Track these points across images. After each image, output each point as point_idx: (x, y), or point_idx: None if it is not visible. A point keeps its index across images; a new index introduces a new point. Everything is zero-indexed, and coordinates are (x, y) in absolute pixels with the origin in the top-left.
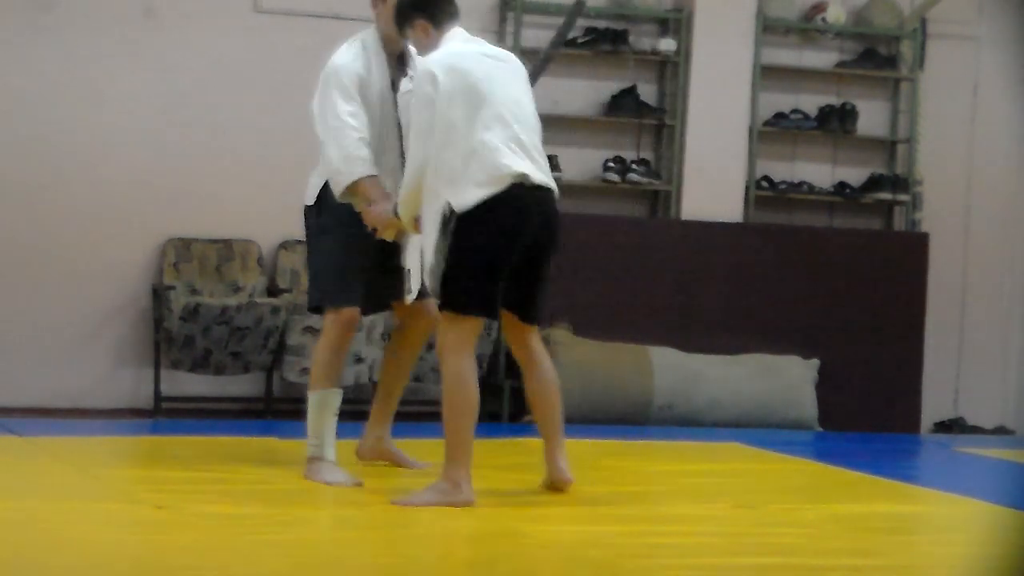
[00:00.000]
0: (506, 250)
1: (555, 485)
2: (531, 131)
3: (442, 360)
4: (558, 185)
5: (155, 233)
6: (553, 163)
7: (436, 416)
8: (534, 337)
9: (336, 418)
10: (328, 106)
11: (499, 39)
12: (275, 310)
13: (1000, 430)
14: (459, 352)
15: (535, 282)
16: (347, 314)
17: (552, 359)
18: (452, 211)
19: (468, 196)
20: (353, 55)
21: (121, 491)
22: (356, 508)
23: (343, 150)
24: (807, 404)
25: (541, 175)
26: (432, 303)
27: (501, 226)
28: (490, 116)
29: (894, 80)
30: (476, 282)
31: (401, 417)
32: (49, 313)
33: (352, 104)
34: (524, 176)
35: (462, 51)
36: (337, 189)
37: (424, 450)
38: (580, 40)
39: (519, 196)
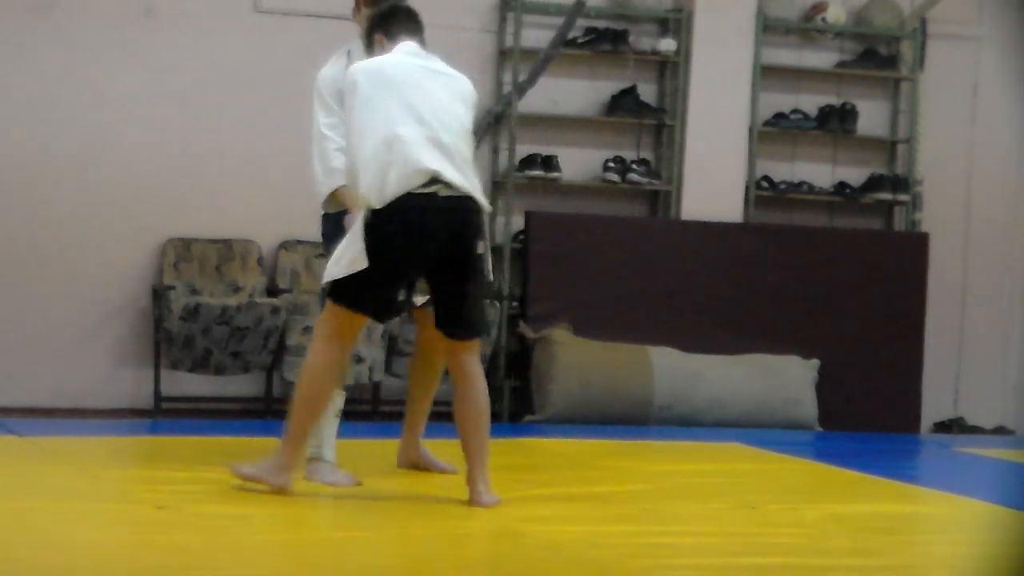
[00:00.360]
0: (398, 252)
1: (473, 506)
2: (454, 135)
3: (310, 345)
4: (557, 185)
5: (155, 233)
6: (553, 163)
7: (446, 416)
8: (466, 355)
9: (337, 419)
10: (312, 119)
11: (499, 39)
12: (275, 310)
13: (1000, 430)
14: (325, 341)
15: (455, 297)
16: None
17: (552, 359)
18: (370, 206)
19: (385, 192)
20: (336, 66)
21: (121, 491)
22: (356, 508)
23: (323, 162)
24: (807, 404)
25: (458, 177)
26: None
27: (397, 227)
28: (407, 114)
29: (894, 80)
30: (362, 277)
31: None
32: (49, 313)
33: (331, 116)
34: (437, 173)
35: (392, 58)
36: (319, 200)
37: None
38: (580, 40)
39: (421, 202)
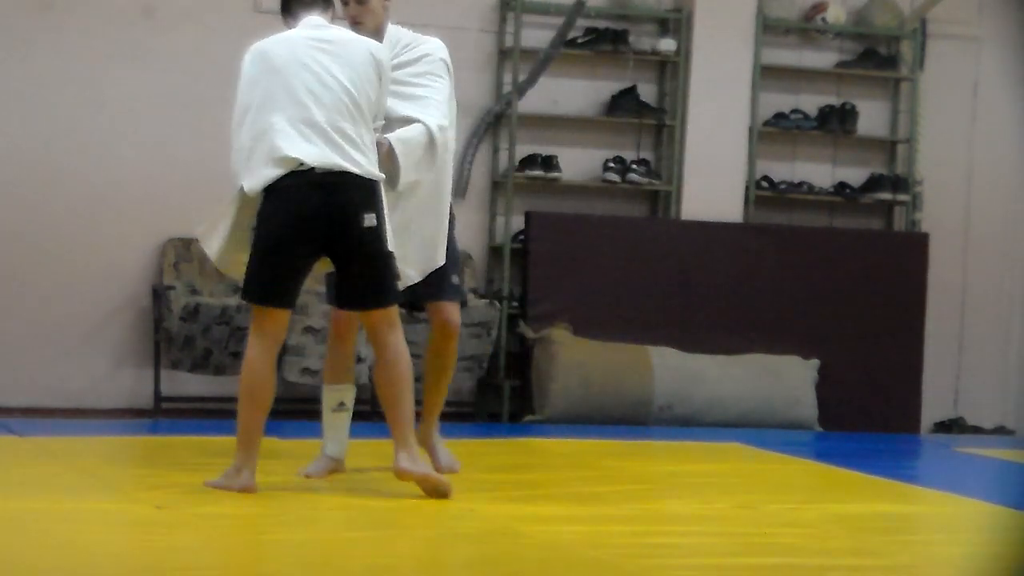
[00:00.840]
0: (278, 237)
1: (397, 477)
2: (332, 111)
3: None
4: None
5: (155, 233)
6: (553, 163)
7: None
8: (379, 324)
9: (341, 414)
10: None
11: (499, 39)
12: None
13: (1000, 430)
14: (252, 337)
15: (350, 272)
16: (334, 312)
17: (552, 359)
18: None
19: (254, 180)
20: None
21: (121, 491)
22: (356, 508)
23: None
24: (807, 404)
25: (327, 158)
26: (445, 302)
27: (274, 212)
28: (285, 96)
29: (894, 80)
30: (256, 270)
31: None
32: (49, 313)
33: None
34: (300, 160)
35: (281, 37)
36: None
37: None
38: (580, 40)
39: (295, 182)
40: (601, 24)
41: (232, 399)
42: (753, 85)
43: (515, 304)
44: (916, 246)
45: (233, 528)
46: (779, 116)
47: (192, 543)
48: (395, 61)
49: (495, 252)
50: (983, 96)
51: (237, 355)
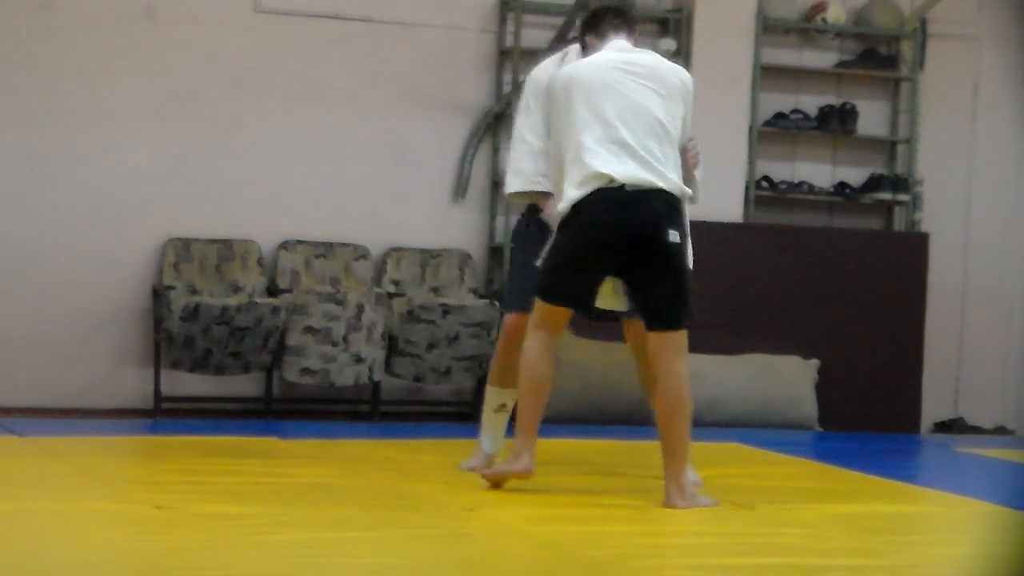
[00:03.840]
0: (582, 249)
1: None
2: (640, 133)
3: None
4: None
5: (155, 233)
6: None
7: (435, 416)
8: (661, 350)
9: (496, 414)
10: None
11: (499, 39)
12: (275, 310)
13: (1000, 430)
14: (532, 329)
15: (646, 289)
16: (509, 319)
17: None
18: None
19: (564, 201)
20: (546, 66)
21: (121, 491)
22: (356, 508)
23: (512, 163)
24: (807, 404)
25: (636, 175)
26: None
27: (580, 224)
28: (594, 117)
29: (894, 80)
30: (551, 272)
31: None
32: (49, 313)
33: (530, 117)
34: (610, 176)
35: (588, 62)
36: (506, 195)
37: (433, 449)
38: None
39: (604, 197)
40: None
41: (232, 399)
42: (753, 85)
43: None
44: (916, 246)
45: (233, 528)
46: (779, 116)
47: (192, 543)
48: None
49: (495, 252)
50: (983, 96)
51: (237, 355)
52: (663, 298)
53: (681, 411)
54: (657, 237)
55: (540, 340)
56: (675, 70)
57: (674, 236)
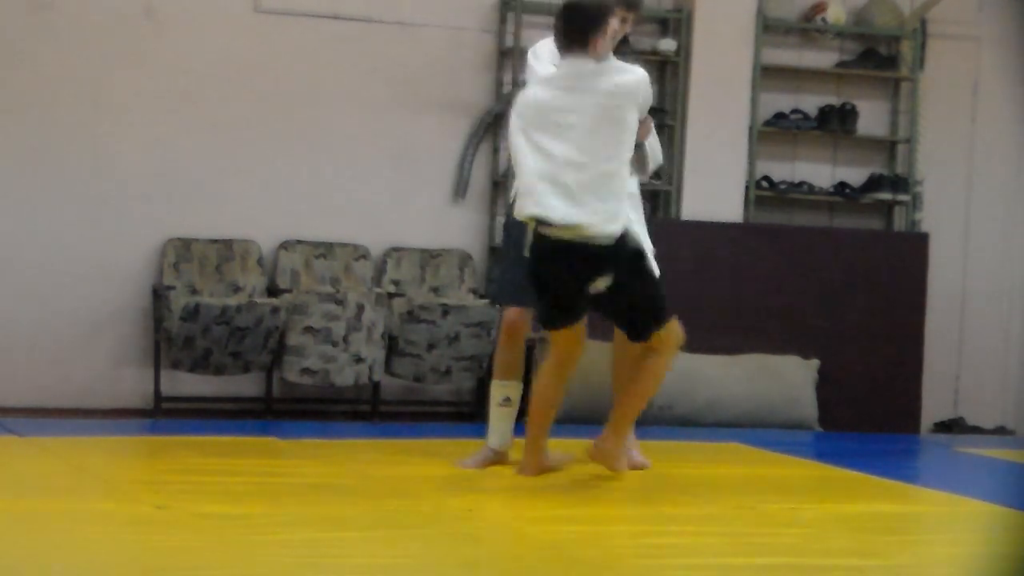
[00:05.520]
0: (553, 275)
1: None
2: (578, 170)
3: None
4: None
5: (155, 233)
6: None
7: (436, 416)
8: (646, 355)
9: (501, 408)
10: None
11: (499, 39)
12: (275, 310)
13: (1000, 430)
14: (550, 346)
15: (611, 314)
16: (506, 314)
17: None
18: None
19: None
20: (548, 40)
21: (121, 491)
22: (356, 508)
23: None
24: (807, 404)
25: (571, 214)
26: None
27: (542, 251)
28: (536, 153)
29: (894, 80)
30: (542, 303)
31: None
32: (49, 313)
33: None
34: (543, 217)
35: (538, 91)
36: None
37: (433, 449)
38: None
39: (540, 237)
40: None
41: (232, 399)
42: (753, 85)
43: None
44: (916, 246)
45: (233, 528)
46: (779, 116)
47: (192, 543)
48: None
49: (495, 252)
50: (983, 96)
51: (237, 355)
52: (627, 314)
53: (647, 393)
54: (588, 281)
55: (553, 358)
56: (618, 81)
57: (602, 283)
